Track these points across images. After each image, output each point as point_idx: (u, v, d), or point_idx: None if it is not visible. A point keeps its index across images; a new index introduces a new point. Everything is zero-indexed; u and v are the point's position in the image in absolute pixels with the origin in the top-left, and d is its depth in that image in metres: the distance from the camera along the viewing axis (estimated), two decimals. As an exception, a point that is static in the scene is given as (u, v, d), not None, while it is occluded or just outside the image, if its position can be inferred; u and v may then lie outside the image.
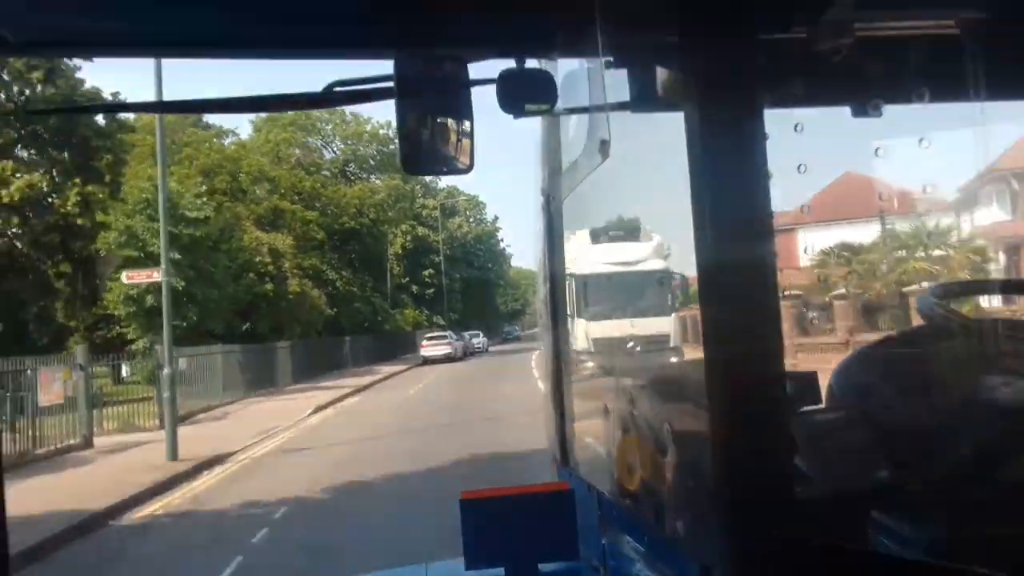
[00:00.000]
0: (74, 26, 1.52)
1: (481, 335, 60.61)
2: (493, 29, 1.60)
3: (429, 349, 46.16)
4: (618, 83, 1.47)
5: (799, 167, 1.41)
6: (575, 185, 1.93)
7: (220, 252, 29.79)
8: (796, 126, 1.39)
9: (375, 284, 51.75)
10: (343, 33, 1.59)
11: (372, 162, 58.10)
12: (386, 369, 40.75)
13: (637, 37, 1.46)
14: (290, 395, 28.14)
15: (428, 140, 1.51)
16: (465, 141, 1.51)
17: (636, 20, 1.36)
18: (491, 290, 79.91)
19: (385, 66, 1.47)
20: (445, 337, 47.67)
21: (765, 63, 1.14)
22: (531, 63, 1.57)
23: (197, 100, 2.22)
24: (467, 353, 51.16)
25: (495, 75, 1.51)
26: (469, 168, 1.53)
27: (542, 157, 2.23)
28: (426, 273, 63.59)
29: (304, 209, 43.29)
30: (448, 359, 45.40)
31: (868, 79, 1.44)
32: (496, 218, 79.59)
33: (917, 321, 1.75)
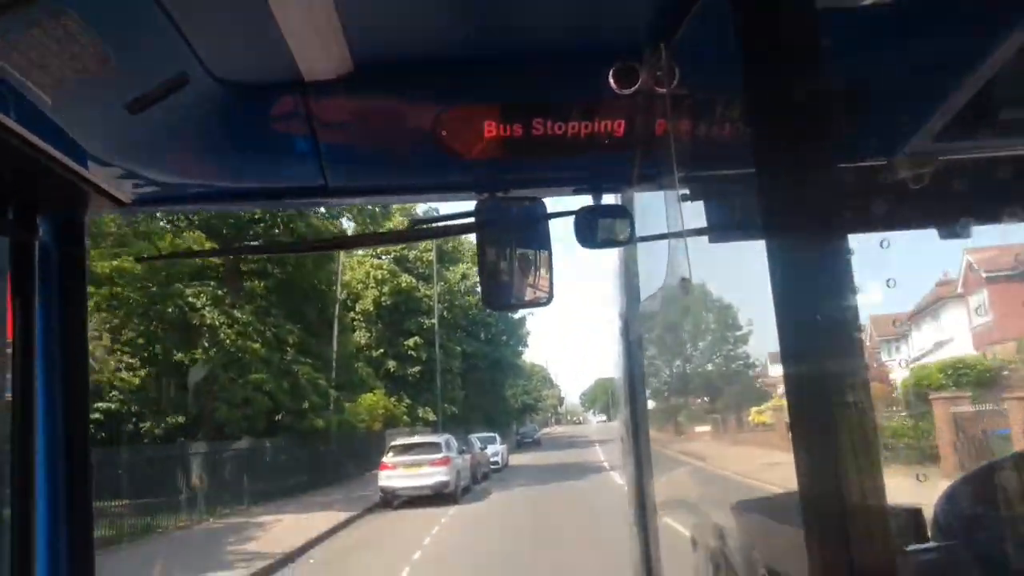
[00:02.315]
0: (180, 189, 1.70)
1: (498, 440, 35.73)
2: (571, 169, 1.69)
3: (398, 473, 21.51)
4: (695, 214, 1.61)
5: (888, 282, 1.59)
6: (654, 317, 2.24)
7: None
8: (882, 242, 1.52)
9: (309, 342, 27.83)
10: (428, 180, 1.72)
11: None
12: (281, 529, 16.46)
13: (711, 170, 1.59)
14: None
15: (508, 275, 1.65)
16: (544, 273, 1.66)
17: (710, 155, 1.53)
18: (503, 374, 56.23)
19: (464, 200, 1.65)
20: (436, 447, 22.61)
21: (846, 190, 1.29)
22: (607, 198, 1.69)
23: (288, 241, 11.04)
24: (475, 477, 26.83)
25: (572, 206, 1.65)
26: (549, 300, 1.68)
27: (619, 282, 2.32)
28: (409, 343, 40.01)
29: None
30: (440, 493, 21.37)
31: (953, 202, 1.58)
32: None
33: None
